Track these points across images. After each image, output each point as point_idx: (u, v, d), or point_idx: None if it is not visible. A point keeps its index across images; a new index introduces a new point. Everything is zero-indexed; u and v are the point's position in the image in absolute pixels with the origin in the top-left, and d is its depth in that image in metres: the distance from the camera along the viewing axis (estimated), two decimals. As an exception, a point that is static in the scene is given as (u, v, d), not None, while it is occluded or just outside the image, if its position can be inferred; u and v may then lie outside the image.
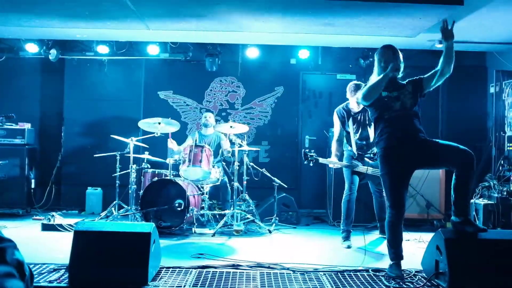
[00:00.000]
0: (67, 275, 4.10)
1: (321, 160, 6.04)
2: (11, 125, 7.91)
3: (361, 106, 6.03)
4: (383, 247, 5.68)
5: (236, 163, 6.89)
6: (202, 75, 8.88)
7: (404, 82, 4.83)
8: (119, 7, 5.71)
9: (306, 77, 9.07)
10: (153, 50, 8.34)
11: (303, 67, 8.93)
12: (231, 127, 7.02)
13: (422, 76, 4.80)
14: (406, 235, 6.47)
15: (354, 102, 6.11)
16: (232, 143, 7.17)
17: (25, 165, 7.85)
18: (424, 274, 4.51)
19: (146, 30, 6.82)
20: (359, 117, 6.13)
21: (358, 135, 6.11)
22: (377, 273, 4.59)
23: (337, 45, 7.97)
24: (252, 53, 8.38)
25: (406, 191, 4.63)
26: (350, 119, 6.11)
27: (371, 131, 5.95)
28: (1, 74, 8.66)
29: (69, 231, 6.27)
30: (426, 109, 8.44)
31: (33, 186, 8.01)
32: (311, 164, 6.07)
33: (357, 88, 6.06)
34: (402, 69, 4.79)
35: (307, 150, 6.13)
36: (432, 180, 7.32)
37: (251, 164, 7.46)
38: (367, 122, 6.08)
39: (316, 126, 8.88)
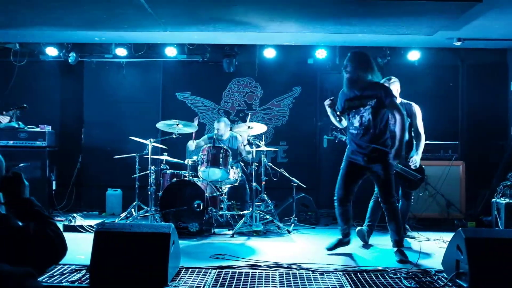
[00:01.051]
0: (88, 275, 4.15)
1: (345, 139, 6.02)
2: (32, 128, 8.02)
3: (398, 100, 6.05)
4: (405, 248, 5.65)
5: (254, 164, 6.90)
6: (220, 76, 8.91)
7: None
8: (136, 9, 5.75)
9: (323, 77, 9.04)
10: (170, 52, 8.38)
11: (320, 67, 8.90)
12: (249, 127, 7.02)
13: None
14: (426, 234, 6.45)
15: None
16: (250, 144, 7.18)
17: (46, 167, 7.95)
18: (445, 274, 4.47)
19: (164, 32, 6.87)
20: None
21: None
22: (397, 273, 4.56)
23: (355, 44, 7.93)
24: (269, 54, 8.37)
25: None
26: None
27: (397, 129, 5.94)
28: (23, 77, 8.77)
29: (90, 232, 6.34)
30: (445, 107, 8.42)
31: (54, 187, 8.12)
32: (336, 141, 6.25)
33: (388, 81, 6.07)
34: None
35: (336, 128, 6.15)
36: (452, 179, 7.25)
37: (270, 164, 7.46)
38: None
39: (334, 126, 8.83)
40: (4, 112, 6.52)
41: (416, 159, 6.06)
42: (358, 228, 6.08)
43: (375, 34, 6.84)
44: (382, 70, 8.30)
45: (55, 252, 2.22)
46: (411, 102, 6.18)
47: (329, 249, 5.57)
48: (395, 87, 6.06)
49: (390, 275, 4.52)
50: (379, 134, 5.24)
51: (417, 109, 6.16)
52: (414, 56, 8.13)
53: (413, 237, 6.37)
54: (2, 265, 1.16)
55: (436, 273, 4.53)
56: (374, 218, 6.13)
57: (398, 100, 6.07)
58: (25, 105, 6.89)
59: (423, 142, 6.15)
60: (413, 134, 6.13)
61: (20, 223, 2.18)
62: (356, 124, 5.34)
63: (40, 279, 3.90)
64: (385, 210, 5.38)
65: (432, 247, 5.86)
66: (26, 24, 6.64)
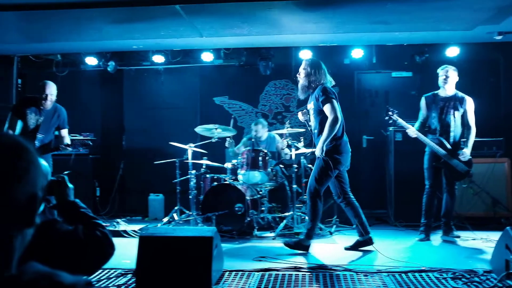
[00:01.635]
0: (134, 279, 4.22)
1: (400, 120, 6.09)
2: (75, 136, 8.20)
3: (449, 93, 6.14)
4: (450, 248, 5.57)
5: (294, 166, 6.89)
6: (256, 79, 8.93)
7: None
8: (173, 17, 5.84)
9: (360, 76, 8.96)
10: (207, 57, 8.45)
11: (357, 67, 8.82)
12: (287, 130, 7.02)
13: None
14: (472, 234, 6.31)
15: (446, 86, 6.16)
16: (288, 146, 7.18)
17: (89, 174, 8.13)
18: (493, 274, 4.36)
19: (200, 38, 6.93)
20: (443, 104, 6.14)
21: (441, 121, 6.11)
22: (443, 273, 4.48)
23: (391, 42, 7.84)
24: (305, 55, 8.34)
25: None
26: (437, 104, 6.15)
27: (456, 119, 6.08)
28: (65, 87, 8.97)
29: (134, 237, 6.44)
30: (487, 103, 8.21)
31: (98, 194, 8.28)
32: (390, 122, 6.25)
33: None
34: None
35: (391, 108, 6.19)
36: (498, 177, 7.07)
37: (309, 166, 7.42)
38: (451, 110, 6.09)
39: (373, 126, 8.74)
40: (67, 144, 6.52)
41: (466, 152, 6.07)
42: (422, 228, 6.15)
43: (412, 32, 6.75)
44: (421, 68, 8.24)
45: (105, 253, 2.27)
46: (464, 95, 6.18)
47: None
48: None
49: (436, 275, 4.44)
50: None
51: (469, 102, 6.16)
52: (453, 52, 7.97)
53: (458, 237, 6.25)
54: (62, 274, 1.19)
55: (485, 273, 4.42)
56: (431, 214, 6.16)
57: (453, 91, 6.13)
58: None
59: (473, 135, 6.16)
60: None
61: (69, 227, 2.23)
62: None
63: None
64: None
65: (478, 247, 5.74)
66: (66, 35, 6.82)
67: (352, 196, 5.86)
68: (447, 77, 6.10)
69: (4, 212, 1.09)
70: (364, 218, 5.75)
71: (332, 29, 6.63)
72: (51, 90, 6.29)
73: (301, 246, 5.57)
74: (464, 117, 6.14)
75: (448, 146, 6.03)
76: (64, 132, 6.51)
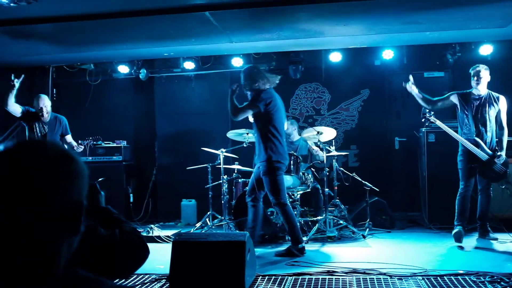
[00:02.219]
0: (168, 284, 4.26)
1: (438, 123, 6.00)
2: (109, 143, 8.35)
3: (482, 93, 6.03)
4: (487, 250, 5.46)
5: (326, 169, 6.85)
6: (287, 83, 8.91)
7: None
8: (202, 23, 5.89)
9: (391, 77, 8.86)
10: (237, 62, 8.50)
11: (388, 68, 8.74)
12: (318, 132, 7.00)
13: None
14: (509, 236, 6.16)
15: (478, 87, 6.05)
16: (320, 149, 7.15)
17: (123, 180, 8.26)
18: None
19: (230, 43, 6.98)
20: (478, 103, 6.04)
21: (475, 121, 6.01)
22: (480, 277, 4.39)
23: (422, 42, 7.74)
24: (335, 58, 8.32)
25: None
26: (470, 103, 6.05)
27: (491, 119, 6.00)
28: (98, 95, 9.16)
29: (167, 242, 6.50)
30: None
31: (131, 200, 8.40)
32: (426, 124, 6.24)
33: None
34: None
35: (427, 111, 6.13)
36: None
37: (341, 169, 7.39)
38: (486, 109, 5.99)
39: (405, 127, 8.63)
40: (80, 141, 6.93)
41: (502, 154, 5.96)
42: (457, 229, 5.93)
43: (443, 31, 6.65)
44: (453, 67, 8.11)
45: (141, 255, 2.34)
46: (498, 94, 6.09)
47: None
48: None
49: (473, 279, 4.35)
50: None
51: (503, 101, 6.07)
52: (486, 50, 7.82)
53: (496, 239, 6.12)
54: (104, 280, 1.22)
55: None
56: (465, 217, 6.03)
57: (486, 90, 6.04)
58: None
59: (506, 135, 6.04)
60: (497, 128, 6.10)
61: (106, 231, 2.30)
62: None
63: None
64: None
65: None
66: (99, 43, 6.95)
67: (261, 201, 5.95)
68: (479, 77, 5.98)
69: (51, 220, 1.12)
70: (297, 226, 5.73)
71: (362, 30, 6.59)
72: (44, 102, 6.78)
73: (293, 252, 5.56)
74: (497, 117, 6.03)
75: (485, 147, 5.91)
76: (69, 138, 7.04)
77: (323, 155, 7.00)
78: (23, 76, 6.42)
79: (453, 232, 5.92)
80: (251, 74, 5.77)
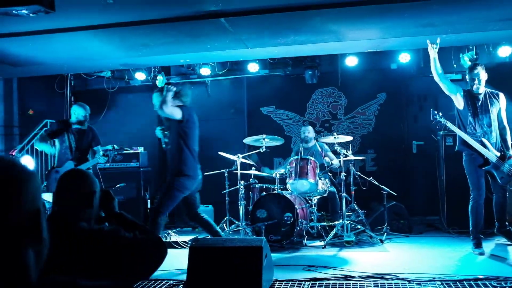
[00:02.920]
0: (186, 290, 4.28)
1: (449, 124, 5.82)
2: (127, 150, 8.42)
3: (481, 91, 5.85)
4: (507, 255, 5.40)
5: (343, 174, 6.83)
6: (303, 88, 8.94)
7: None
8: (217, 30, 5.92)
9: (408, 81, 8.83)
10: (253, 68, 8.53)
11: (404, 71, 8.71)
12: (334, 138, 6.99)
13: None
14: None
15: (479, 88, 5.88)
16: (337, 154, 7.14)
17: (140, 186, 8.31)
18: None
19: (245, 49, 7.00)
20: (480, 102, 5.85)
21: (480, 121, 5.82)
22: (501, 282, 4.33)
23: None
24: (351, 62, 8.31)
25: None
26: (472, 102, 5.87)
27: (494, 117, 5.80)
28: (115, 102, 9.25)
29: (185, 248, 6.52)
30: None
31: (149, 206, 8.44)
32: (437, 126, 6.07)
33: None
34: None
35: (436, 111, 5.99)
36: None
37: (358, 173, 7.35)
38: (488, 108, 5.81)
39: (422, 131, 8.57)
40: (102, 152, 6.82)
41: (510, 153, 5.76)
42: (474, 240, 5.78)
43: (460, 33, 6.60)
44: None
45: (160, 254, 2.44)
46: (497, 91, 5.93)
47: None
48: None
49: (493, 284, 4.30)
50: None
51: (502, 98, 5.90)
52: (505, 52, 7.74)
53: None
54: (81, 281, 1.26)
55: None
56: (480, 226, 5.82)
57: (483, 89, 5.86)
58: (123, 146, 7.29)
59: (509, 134, 5.86)
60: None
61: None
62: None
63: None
64: None
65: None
66: (115, 51, 7.02)
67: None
68: (479, 79, 5.76)
69: (9, 231, 1.11)
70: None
71: (378, 34, 6.56)
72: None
73: None
74: (498, 115, 5.82)
75: (492, 148, 5.72)
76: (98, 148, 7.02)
77: (337, 164, 6.99)
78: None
79: (472, 242, 5.78)
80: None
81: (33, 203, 1.17)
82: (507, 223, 6.01)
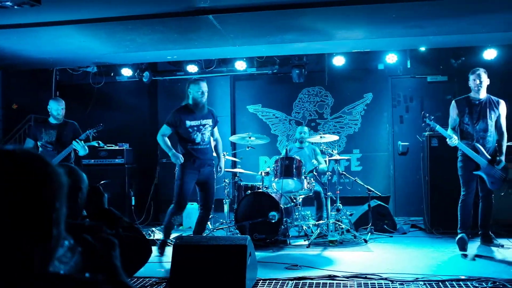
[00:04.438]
0: (169, 288, 4.26)
1: (439, 127, 5.85)
2: (111, 146, 8.36)
3: (482, 96, 5.91)
4: (489, 256, 5.45)
5: (328, 173, 6.84)
6: (290, 87, 8.94)
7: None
8: (206, 27, 5.89)
9: (395, 81, 8.87)
10: (240, 66, 8.51)
11: (391, 72, 8.75)
12: (320, 137, 6.99)
13: None
14: (510, 242, 6.13)
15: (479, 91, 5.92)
16: (323, 153, 7.14)
17: (125, 183, 8.26)
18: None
19: (233, 47, 6.98)
20: (478, 108, 5.91)
21: (476, 126, 5.88)
22: (482, 283, 4.36)
23: (425, 46, 7.74)
24: (338, 62, 8.32)
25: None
26: (470, 109, 5.92)
27: (491, 123, 5.86)
28: (101, 98, 9.17)
29: (169, 245, 6.48)
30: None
31: (133, 203, 8.39)
32: (427, 129, 6.19)
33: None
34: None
35: (428, 114, 5.99)
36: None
37: (343, 173, 7.37)
38: (486, 114, 5.87)
39: (408, 132, 8.63)
40: (77, 140, 6.72)
41: (502, 159, 5.85)
42: (460, 236, 5.80)
43: (447, 35, 6.63)
44: (457, 72, 8.08)
45: (144, 254, 2.42)
46: (498, 99, 5.99)
47: None
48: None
49: (475, 284, 4.33)
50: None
51: (503, 106, 5.97)
52: (490, 54, 7.80)
53: (500, 245, 6.03)
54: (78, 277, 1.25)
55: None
56: (467, 225, 5.89)
57: (485, 94, 5.94)
58: (101, 124, 7.08)
59: (505, 140, 5.94)
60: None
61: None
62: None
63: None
64: None
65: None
66: (102, 46, 6.96)
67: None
68: (481, 81, 5.85)
69: (21, 229, 1.12)
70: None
71: (365, 34, 6.58)
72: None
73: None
74: (497, 122, 5.90)
75: (485, 152, 5.80)
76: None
77: (324, 168, 7.01)
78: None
79: (457, 238, 5.80)
80: (187, 88, 6.21)
81: (51, 202, 1.18)
82: (490, 230, 6.14)
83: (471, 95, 5.97)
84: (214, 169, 6.22)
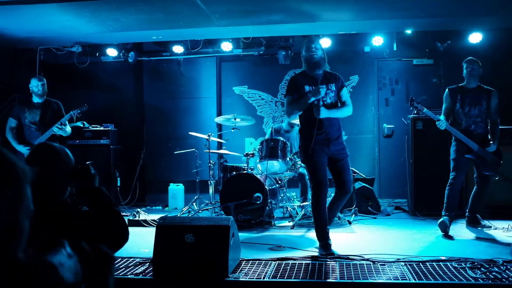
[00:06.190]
0: (152, 268, 4.27)
1: (426, 110, 5.92)
2: (96, 127, 8.31)
3: (474, 85, 6.01)
4: (470, 237, 5.52)
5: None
6: (276, 68, 8.90)
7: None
8: (190, 7, 5.86)
9: (381, 64, 8.86)
10: (226, 47, 8.45)
11: (377, 55, 8.74)
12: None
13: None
14: (492, 223, 6.21)
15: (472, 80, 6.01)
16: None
17: (110, 164, 8.22)
18: (514, 264, 4.30)
19: (218, 27, 6.93)
20: (471, 96, 5.99)
21: (469, 113, 5.95)
22: (462, 263, 4.42)
23: (412, 28, 7.73)
24: (325, 43, 8.27)
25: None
26: (462, 96, 5.99)
27: (482, 111, 5.96)
28: (86, 78, 9.08)
29: (153, 226, 6.48)
30: (510, 92, 8.03)
31: (118, 184, 8.36)
32: (415, 112, 6.26)
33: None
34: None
35: (414, 98, 6.07)
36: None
37: (328, 155, 7.38)
38: (478, 102, 5.96)
39: (393, 114, 8.66)
40: (58, 126, 6.63)
41: (494, 144, 5.95)
42: (442, 219, 5.85)
43: (433, 18, 6.64)
44: (442, 55, 8.09)
45: (117, 241, 2.40)
46: (490, 88, 6.06)
47: None
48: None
49: (454, 265, 4.39)
50: None
51: (495, 95, 6.05)
52: (475, 38, 7.81)
53: (488, 226, 6.12)
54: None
55: (505, 263, 4.36)
56: (453, 208, 5.94)
57: (477, 83, 6.04)
58: (85, 105, 7.01)
59: (498, 127, 6.06)
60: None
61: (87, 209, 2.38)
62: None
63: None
64: None
65: (499, 236, 5.66)
66: (86, 26, 6.88)
67: None
68: (473, 69, 5.94)
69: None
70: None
71: (352, 16, 6.57)
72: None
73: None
74: (489, 110, 5.98)
75: (476, 138, 5.87)
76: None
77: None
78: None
79: (439, 222, 5.85)
80: None
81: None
82: (478, 215, 6.25)
83: (464, 84, 6.06)
84: None
